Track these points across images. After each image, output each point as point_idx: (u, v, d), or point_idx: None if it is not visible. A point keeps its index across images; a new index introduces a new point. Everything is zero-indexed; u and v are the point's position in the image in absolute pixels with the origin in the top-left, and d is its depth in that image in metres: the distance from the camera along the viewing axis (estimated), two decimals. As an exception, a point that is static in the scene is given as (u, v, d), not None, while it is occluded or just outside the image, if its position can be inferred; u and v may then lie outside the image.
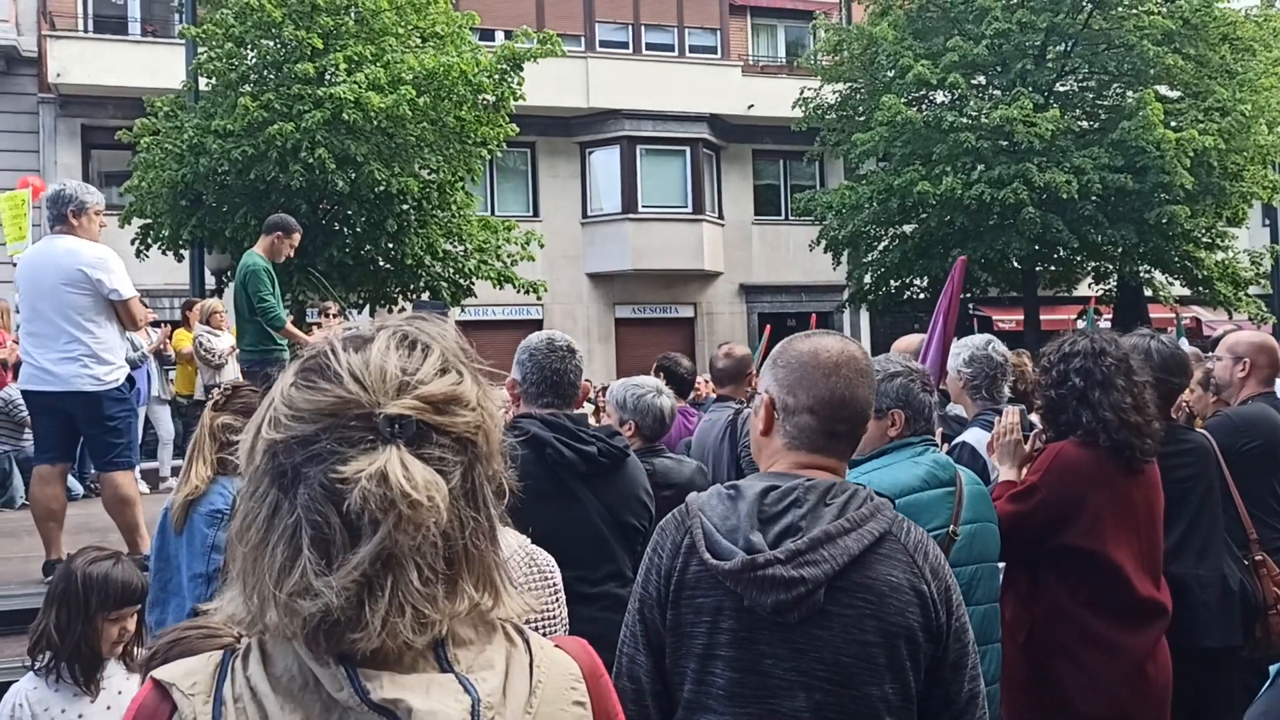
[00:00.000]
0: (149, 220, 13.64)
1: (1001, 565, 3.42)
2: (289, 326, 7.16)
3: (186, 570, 3.22)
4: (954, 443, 4.05)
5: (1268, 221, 22.82)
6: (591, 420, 3.74)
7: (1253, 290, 19.47)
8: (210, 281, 13.96)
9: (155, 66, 17.21)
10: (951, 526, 2.90)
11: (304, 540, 0.97)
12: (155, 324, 8.22)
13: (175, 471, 11.15)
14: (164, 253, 13.82)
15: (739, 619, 1.77)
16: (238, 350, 9.37)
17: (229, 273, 14.46)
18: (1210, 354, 4.92)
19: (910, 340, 5.47)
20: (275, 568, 0.98)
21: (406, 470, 0.98)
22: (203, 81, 13.13)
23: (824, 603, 1.76)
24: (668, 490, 3.75)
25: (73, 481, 8.81)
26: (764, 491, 1.86)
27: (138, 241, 13.73)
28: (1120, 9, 17.36)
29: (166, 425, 11.22)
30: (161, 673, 1.05)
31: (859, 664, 1.76)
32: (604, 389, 13.05)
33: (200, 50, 12.95)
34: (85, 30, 19.48)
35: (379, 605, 0.97)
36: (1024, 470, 3.39)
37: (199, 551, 3.17)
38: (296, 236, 7.22)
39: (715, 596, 1.79)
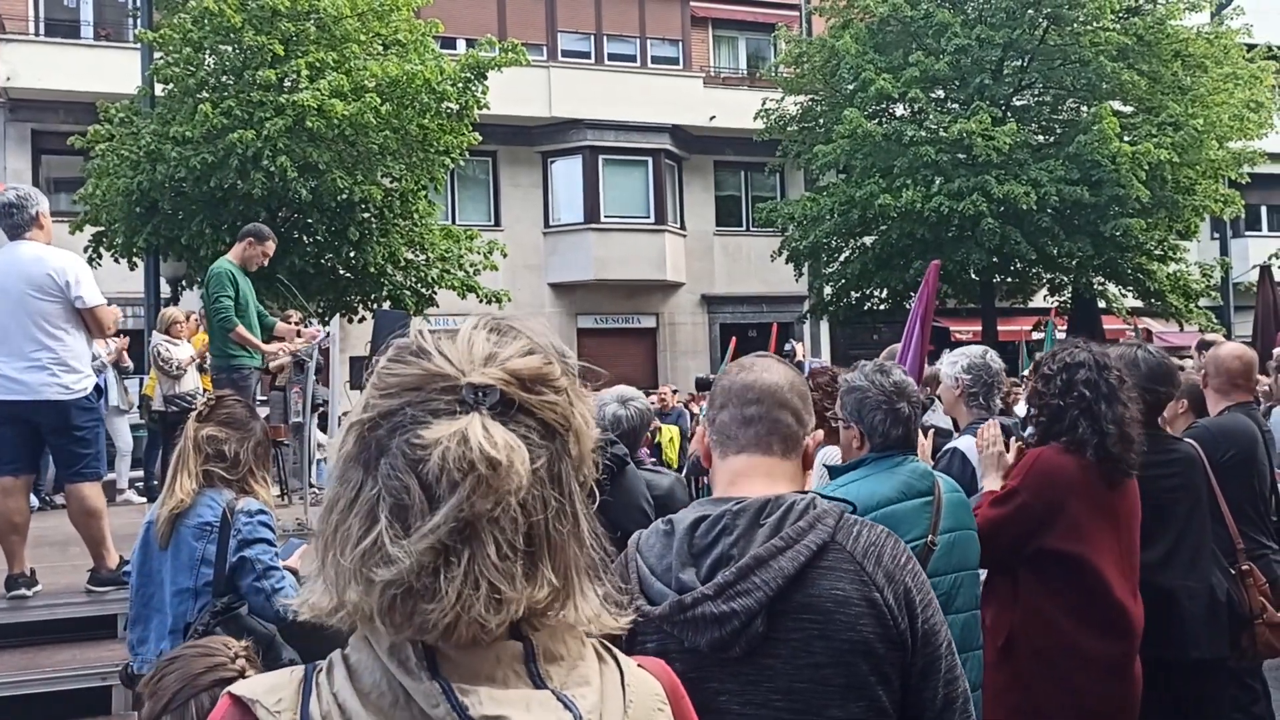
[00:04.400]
0: (102, 227, 13.37)
1: (983, 572, 3.43)
2: (239, 330, 6.79)
3: (170, 585, 3.12)
4: (945, 448, 4.06)
5: (1216, 234, 23.35)
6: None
7: (1203, 302, 19.86)
8: (165, 290, 13.69)
9: (108, 71, 16.88)
10: (930, 536, 2.90)
11: (382, 510, 0.96)
12: (116, 333, 8.01)
13: (133, 483, 10.94)
14: (117, 260, 13.53)
15: (685, 660, 1.67)
16: (198, 360, 9.21)
17: (184, 280, 14.23)
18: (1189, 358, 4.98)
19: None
20: (353, 539, 0.97)
21: (487, 431, 0.96)
22: (159, 87, 12.87)
23: (768, 630, 1.67)
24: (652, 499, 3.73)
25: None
26: (694, 524, 1.76)
27: (90, 249, 13.44)
28: (1076, 25, 17.63)
29: (125, 436, 11.02)
30: (242, 688, 1.01)
31: (815, 688, 1.68)
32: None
33: (157, 55, 12.70)
34: (36, 33, 19.09)
35: (454, 575, 0.94)
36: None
37: (185, 565, 3.07)
38: (270, 244, 7.14)
39: (658, 640, 1.72)
